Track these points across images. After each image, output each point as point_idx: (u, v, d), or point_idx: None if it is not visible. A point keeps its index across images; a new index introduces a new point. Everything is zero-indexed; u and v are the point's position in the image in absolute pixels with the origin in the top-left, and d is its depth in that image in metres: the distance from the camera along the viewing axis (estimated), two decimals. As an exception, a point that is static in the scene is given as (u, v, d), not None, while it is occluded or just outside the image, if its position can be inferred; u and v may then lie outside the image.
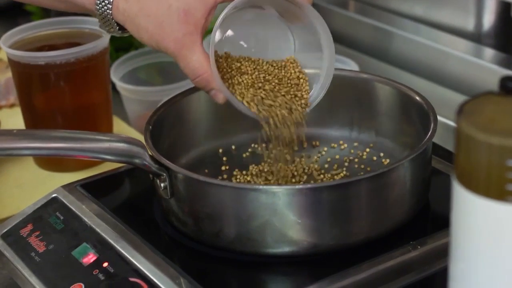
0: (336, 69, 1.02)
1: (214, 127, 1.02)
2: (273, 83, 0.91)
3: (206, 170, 1.00)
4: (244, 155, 1.03)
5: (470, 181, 0.62)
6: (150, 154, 0.87)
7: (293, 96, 0.92)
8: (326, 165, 0.99)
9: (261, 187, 0.85)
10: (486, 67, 1.23)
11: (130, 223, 0.92)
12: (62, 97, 1.13)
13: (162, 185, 0.87)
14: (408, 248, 0.85)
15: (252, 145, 1.03)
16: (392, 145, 1.00)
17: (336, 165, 0.99)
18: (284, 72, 0.93)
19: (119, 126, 1.25)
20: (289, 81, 0.92)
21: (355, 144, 1.03)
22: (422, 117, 0.93)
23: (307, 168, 0.98)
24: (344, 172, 0.98)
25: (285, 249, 0.84)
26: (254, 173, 0.98)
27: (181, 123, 1.00)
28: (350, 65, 1.21)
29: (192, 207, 0.86)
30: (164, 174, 0.87)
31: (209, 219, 0.85)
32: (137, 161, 0.87)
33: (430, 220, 0.90)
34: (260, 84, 0.91)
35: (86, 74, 1.12)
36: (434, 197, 0.92)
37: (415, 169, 0.86)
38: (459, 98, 1.23)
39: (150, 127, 0.91)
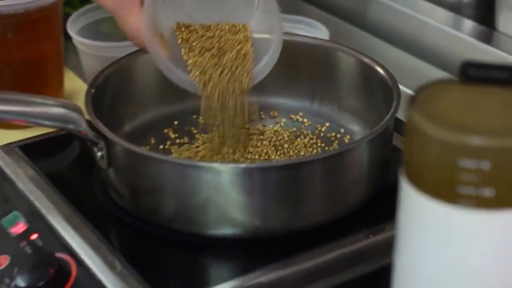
0: (299, 35, 0.96)
1: (166, 91, 0.95)
2: (219, 49, 0.85)
3: (153, 139, 0.93)
4: (196, 122, 0.96)
5: (418, 179, 0.56)
6: (88, 119, 0.81)
7: (237, 67, 0.85)
8: (281, 138, 0.92)
9: (202, 164, 0.78)
10: (464, 40, 1.16)
11: (66, 192, 0.85)
12: (10, 49, 1.06)
13: (99, 154, 0.81)
14: (360, 237, 0.78)
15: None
16: (354, 121, 0.94)
17: (292, 139, 0.92)
18: (236, 38, 0.86)
19: (73, 82, 1.18)
20: (236, 49, 0.86)
21: (316, 117, 0.96)
22: (386, 93, 0.86)
23: (260, 140, 0.91)
24: (298, 148, 0.91)
25: (227, 231, 0.78)
26: (202, 143, 0.91)
27: (129, 86, 0.93)
28: (320, 30, 1.13)
29: (129, 180, 0.80)
30: (101, 143, 0.80)
31: (147, 194, 0.79)
32: (71, 126, 0.80)
33: (388, 205, 0.83)
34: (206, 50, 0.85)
35: (36, 26, 1.05)
36: (394, 179, 0.85)
37: (373, 150, 0.80)
38: (434, 71, 1.16)
39: (93, 90, 0.84)
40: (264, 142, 0.90)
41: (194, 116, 0.96)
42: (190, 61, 0.85)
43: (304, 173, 0.77)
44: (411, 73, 1.16)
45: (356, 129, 0.93)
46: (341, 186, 0.79)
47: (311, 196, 0.78)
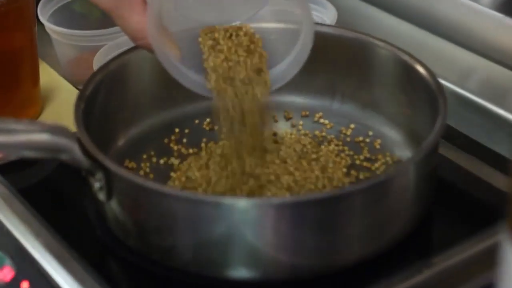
0: (317, 24, 0.83)
1: (163, 94, 0.82)
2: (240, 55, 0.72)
3: (152, 151, 0.80)
4: (198, 128, 0.83)
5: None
6: (81, 142, 0.67)
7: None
8: (303, 146, 0.79)
9: (225, 200, 0.65)
10: (483, 13, 1.03)
11: (57, 225, 0.72)
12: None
13: (96, 184, 0.68)
14: (414, 271, 0.66)
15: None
16: (382, 122, 0.82)
17: (315, 146, 0.80)
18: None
19: (49, 75, 1.04)
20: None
21: (337, 117, 0.84)
22: (425, 93, 0.74)
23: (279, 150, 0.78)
24: (325, 159, 0.78)
25: (256, 273, 0.65)
26: (209, 157, 0.78)
27: (121, 92, 0.80)
28: (327, 8, 1.00)
29: (136, 216, 0.67)
30: (100, 173, 0.67)
31: (158, 233, 0.67)
32: (63, 156, 0.67)
33: (437, 230, 0.72)
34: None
35: (6, 19, 0.91)
36: (440, 197, 0.74)
37: (421, 170, 0.68)
38: (451, 48, 1.04)
39: (83, 105, 0.71)
40: (287, 151, 0.77)
41: (197, 121, 0.84)
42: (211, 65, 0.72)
43: (345, 205, 0.65)
44: (426, 50, 1.04)
45: (386, 131, 0.81)
46: (387, 214, 0.67)
47: (353, 228, 0.66)
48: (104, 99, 0.77)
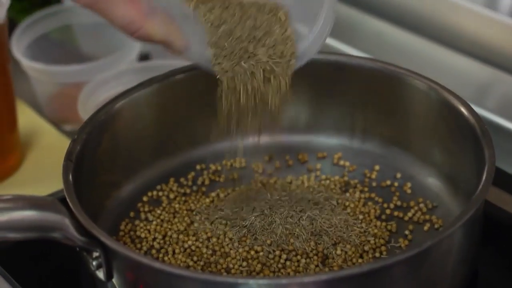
0: (332, 53, 0.74)
1: (157, 145, 0.73)
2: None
3: (147, 208, 0.70)
4: (205, 177, 0.74)
5: None
6: (75, 217, 0.57)
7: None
8: (322, 197, 0.69)
9: (249, 281, 0.54)
10: (504, 24, 0.94)
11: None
12: None
13: (94, 263, 0.58)
14: None
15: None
16: (410, 161, 0.72)
17: (338, 194, 0.70)
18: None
19: (27, 116, 0.94)
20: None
21: (359, 157, 0.74)
22: (464, 134, 0.65)
23: (295, 204, 0.68)
24: (355, 212, 0.68)
25: None
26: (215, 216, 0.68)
27: (110, 148, 0.69)
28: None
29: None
30: (98, 251, 0.57)
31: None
32: (55, 235, 0.57)
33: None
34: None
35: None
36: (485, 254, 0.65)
37: (466, 231, 0.59)
38: (469, 65, 0.94)
39: (70, 177, 0.61)
40: (307, 206, 0.67)
41: (193, 172, 0.74)
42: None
43: (383, 279, 0.55)
44: (442, 66, 0.94)
45: (415, 172, 0.72)
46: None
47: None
48: (91, 159, 0.67)
